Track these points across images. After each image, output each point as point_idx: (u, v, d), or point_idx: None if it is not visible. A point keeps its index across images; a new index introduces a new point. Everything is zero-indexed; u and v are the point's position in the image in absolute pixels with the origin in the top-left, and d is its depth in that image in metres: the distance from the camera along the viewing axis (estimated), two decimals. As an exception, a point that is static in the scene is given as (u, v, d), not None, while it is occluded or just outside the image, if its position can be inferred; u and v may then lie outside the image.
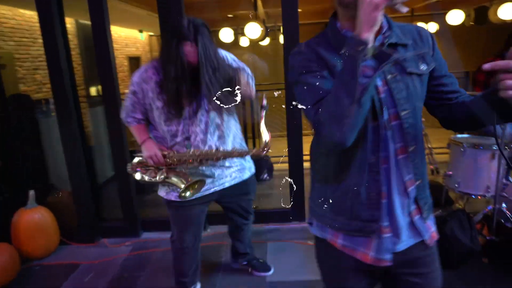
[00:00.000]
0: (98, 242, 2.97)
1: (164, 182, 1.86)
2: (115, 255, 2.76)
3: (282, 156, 4.32)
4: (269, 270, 2.43)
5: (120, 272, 2.57)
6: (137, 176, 1.90)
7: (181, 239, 2.02)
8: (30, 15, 5.46)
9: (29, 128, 3.35)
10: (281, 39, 8.12)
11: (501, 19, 5.42)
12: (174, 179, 1.81)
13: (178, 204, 1.90)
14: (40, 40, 5.79)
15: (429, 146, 3.90)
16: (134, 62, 8.66)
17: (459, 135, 2.78)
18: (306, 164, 3.03)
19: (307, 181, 2.98)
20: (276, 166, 4.28)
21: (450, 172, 2.64)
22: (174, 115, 1.72)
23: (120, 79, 8.83)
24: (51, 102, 4.11)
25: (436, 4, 7.29)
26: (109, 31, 2.72)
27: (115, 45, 8.60)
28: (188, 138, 1.80)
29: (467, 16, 5.89)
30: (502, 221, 2.47)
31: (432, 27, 7.95)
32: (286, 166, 4.25)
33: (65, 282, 2.49)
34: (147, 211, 3.26)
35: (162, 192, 1.94)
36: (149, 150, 1.82)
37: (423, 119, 3.47)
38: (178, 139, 1.81)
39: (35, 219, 2.68)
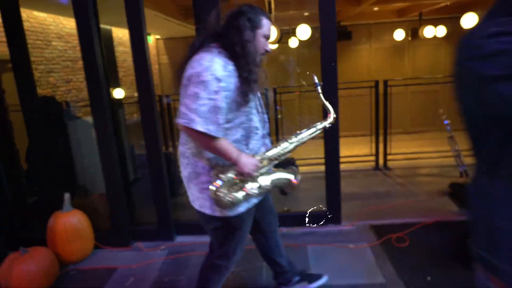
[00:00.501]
0: (132, 246, 2.91)
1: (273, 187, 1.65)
2: (152, 259, 2.71)
3: (306, 159, 4.34)
4: (322, 276, 2.21)
5: (160, 277, 2.51)
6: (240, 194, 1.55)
7: (236, 253, 1.79)
8: (44, 18, 5.42)
9: (56, 130, 3.29)
10: (291, 43, 8.13)
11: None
12: (281, 176, 1.66)
13: (249, 212, 1.67)
14: (54, 43, 5.78)
15: (457, 148, 3.88)
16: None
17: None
18: (342, 166, 3.02)
19: (342, 183, 2.97)
20: (301, 169, 4.24)
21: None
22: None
23: (129, 83, 8.74)
24: (71, 104, 4.07)
25: (444, 8, 7.35)
26: (146, 38, 2.68)
27: (123, 48, 8.51)
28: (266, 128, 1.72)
29: (482, 19, 5.89)
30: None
31: (440, 31, 8.00)
32: (310, 168, 4.26)
33: (105, 286, 2.43)
34: (178, 214, 3.20)
35: (240, 208, 1.60)
36: (250, 162, 1.52)
37: (448, 121, 3.43)
38: (260, 131, 1.67)
39: (72, 223, 2.62)
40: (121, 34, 7.36)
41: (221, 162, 1.55)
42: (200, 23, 2.72)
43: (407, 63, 9.24)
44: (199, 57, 1.47)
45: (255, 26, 1.52)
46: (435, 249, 2.58)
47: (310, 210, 3.00)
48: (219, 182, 1.51)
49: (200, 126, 1.39)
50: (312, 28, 5.65)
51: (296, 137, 1.70)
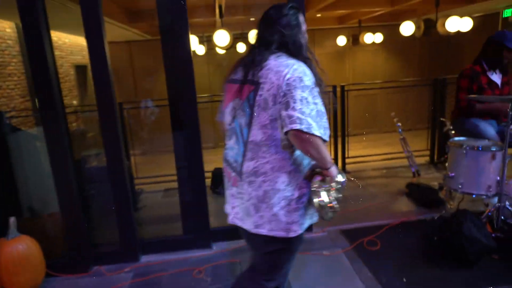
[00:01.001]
0: (92, 271, 2.61)
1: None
2: (116, 284, 2.45)
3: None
4: None
5: (128, 303, 2.29)
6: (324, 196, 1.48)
7: (285, 275, 1.68)
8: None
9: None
10: (239, 47, 8.10)
11: (448, 31, 5.96)
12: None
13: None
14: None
15: (409, 149, 4.09)
16: (81, 71, 8.02)
17: (457, 138, 2.94)
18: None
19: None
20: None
21: (453, 174, 2.77)
22: None
23: (66, 89, 8.11)
24: (4, 114, 3.61)
25: (381, 16, 7.83)
26: (105, 44, 2.42)
27: (59, 53, 7.97)
28: None
29: (417, 27, 6.37)
30: (502, 217, 2.64)
31: (378, 37, 8.51)
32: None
33: (65, 322, 2.15)
34: (141, 230, 2.96)
35: (305, 224, 1.53)
36: (336, 168, 1.48)
37: (399, 124, 3.61)
38: None
39: (19, 251, 2.28)
40: (55, 38, 6.76)
41: (300, 175, 1.47)
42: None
43: (348, 68, 9.69)
44: (283, 62, 1.40)
45: (300, 27, 1.51)
46: (406, 249, 2.66)
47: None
48: (323, 195, 1.43)
49: (317, 131, 1.34)
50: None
51: None
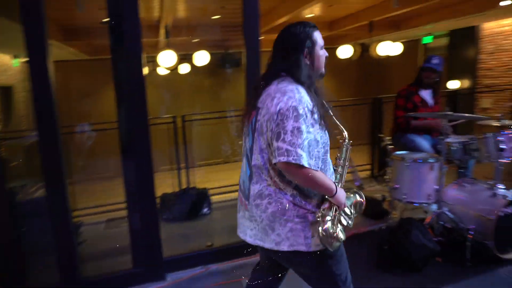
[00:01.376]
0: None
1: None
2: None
3: (219, 187, 4.20)
4: None
5: None
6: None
7: (349, 276, 1.66)
8: None
9: None
10: (182, 68, 7.99)
11: (378, 55, 6.50)
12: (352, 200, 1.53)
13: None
14: None
15: (353, 165, 4.29)
16: (5, 92, 7.35)
17: (398, 152, 3.14)
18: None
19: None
20: (216, 198, 4.12)
21: (397, 185, 2.94)
22: None
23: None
24: None
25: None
26: (49, 64, 2.26)
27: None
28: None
29: (355, 51, 6.86)
30: (442, 223, 2.84)
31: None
32: (224, 196, 4.15)
33: None
34: (83, 268, 2.70)
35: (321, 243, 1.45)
36: (343, 193, 1.45)
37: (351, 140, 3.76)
38: (332, 166, 1.53)
39: None
40: (-25, 56, 6.17)
41: (306, 192, 1.44)
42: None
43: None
44: (281, 88, 1.40)
45: (313, 46, 1.46)
46: (360, 261, 2.74)
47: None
48: (328, 223, 1.39)
49: (305, 161, 1.32)
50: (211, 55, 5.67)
51: (341, 160, 1.57)
